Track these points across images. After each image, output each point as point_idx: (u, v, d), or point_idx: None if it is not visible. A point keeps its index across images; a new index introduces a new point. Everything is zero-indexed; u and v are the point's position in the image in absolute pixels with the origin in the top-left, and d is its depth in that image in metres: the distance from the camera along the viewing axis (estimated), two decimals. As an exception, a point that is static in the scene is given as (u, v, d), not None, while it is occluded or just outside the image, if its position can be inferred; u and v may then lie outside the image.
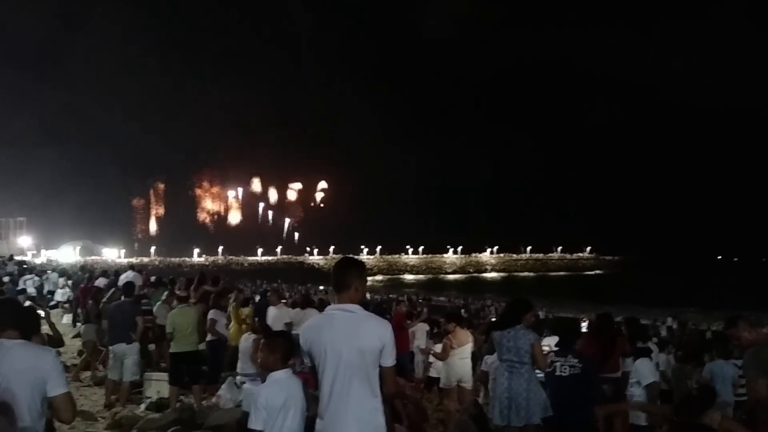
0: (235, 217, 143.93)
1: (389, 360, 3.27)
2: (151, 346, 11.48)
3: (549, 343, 7.58)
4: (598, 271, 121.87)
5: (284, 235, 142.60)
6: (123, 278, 13.84)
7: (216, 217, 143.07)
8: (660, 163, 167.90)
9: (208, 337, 9.20)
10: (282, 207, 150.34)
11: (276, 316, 10.35)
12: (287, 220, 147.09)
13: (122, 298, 9.40)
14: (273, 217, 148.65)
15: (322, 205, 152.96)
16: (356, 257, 3.65)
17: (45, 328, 6.73)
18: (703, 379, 7.78)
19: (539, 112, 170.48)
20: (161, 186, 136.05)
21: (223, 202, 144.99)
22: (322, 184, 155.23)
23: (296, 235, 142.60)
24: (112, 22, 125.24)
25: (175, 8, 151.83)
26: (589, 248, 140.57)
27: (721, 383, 7.31)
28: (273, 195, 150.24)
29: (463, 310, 25.83)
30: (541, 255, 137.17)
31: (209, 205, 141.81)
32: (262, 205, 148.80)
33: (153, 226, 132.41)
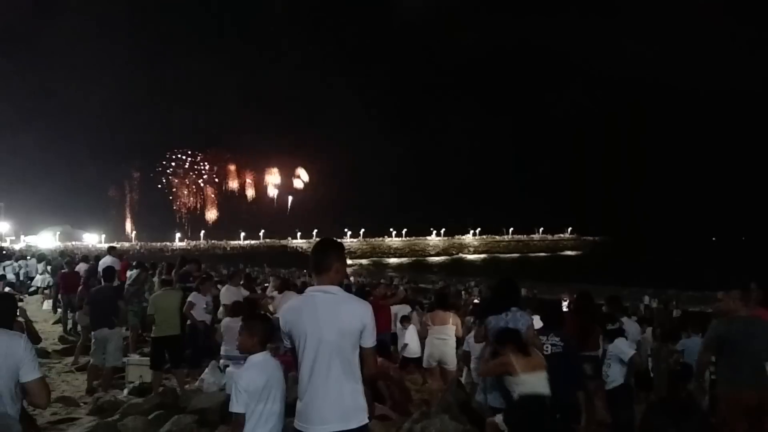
0: (212, 214, 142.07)
1: (370, 341, 3.28)
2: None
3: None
4: (577, 252, 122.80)
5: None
6: (102, 263, 13.72)
7: (192, 208, 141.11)
8: (641, 145, 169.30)
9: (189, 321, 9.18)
10: (261, 192, 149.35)
11: (229, 293, 10.07)
12: (270, 203, 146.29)
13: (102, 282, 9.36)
14: (253, 201, 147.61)
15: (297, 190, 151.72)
16: (335, 239, 3.63)
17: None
18: (678, 356, 7.95)
19: (520, 96, 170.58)
20: (136, 172, 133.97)
21: (199, 193, 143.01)
22: (301, 171, 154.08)
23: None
24: (86, 8, 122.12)
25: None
26: (569, 229, 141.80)
27: (694, 359, 7.44)
28: (251, 180, 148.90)
29: (463, 292, 25.81)
30: (523, 236, 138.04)
31: (185, 196, 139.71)
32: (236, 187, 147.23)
33: (129, 212, 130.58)
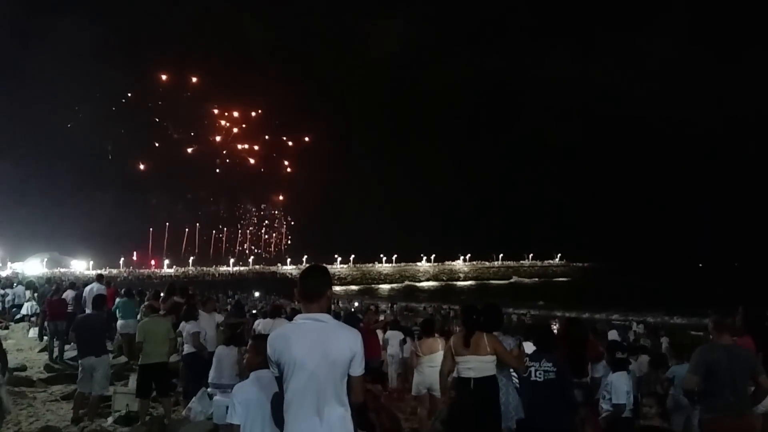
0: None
1: (358, 369, 3.29)
2: (122, 358, 11.35)
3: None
4: (566, 278, 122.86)
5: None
6: (88, 290, 13.60)
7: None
8: (627, 172, 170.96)
9: (187, 350, 9.03)
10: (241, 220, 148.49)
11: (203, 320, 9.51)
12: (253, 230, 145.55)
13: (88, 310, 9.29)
14: (238, 230, 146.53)
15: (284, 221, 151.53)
16: (323, 265, 3.64)
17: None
18: (668, 383, 7.96)
19: (507, 120, 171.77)
20: (108, 197, 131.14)
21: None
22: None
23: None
24: (64, 32, 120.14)
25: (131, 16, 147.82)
26: (559, 255, 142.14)
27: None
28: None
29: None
30: (512, 262, 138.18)
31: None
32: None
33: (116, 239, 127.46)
